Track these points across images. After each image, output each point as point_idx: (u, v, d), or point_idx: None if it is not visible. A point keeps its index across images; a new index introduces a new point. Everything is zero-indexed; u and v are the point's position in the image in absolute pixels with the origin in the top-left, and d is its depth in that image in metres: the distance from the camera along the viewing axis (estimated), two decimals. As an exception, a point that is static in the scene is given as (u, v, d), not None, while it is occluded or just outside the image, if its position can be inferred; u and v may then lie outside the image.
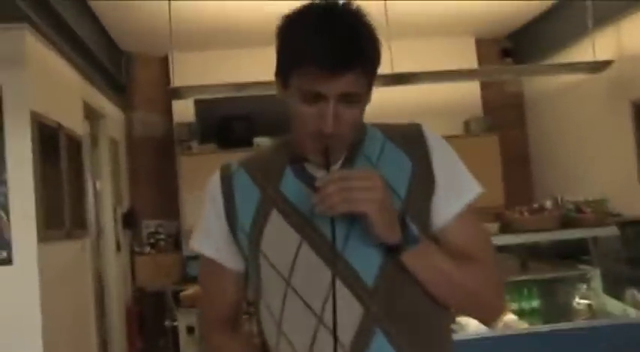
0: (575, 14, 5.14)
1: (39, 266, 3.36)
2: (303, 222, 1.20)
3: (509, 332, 3.26)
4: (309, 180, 1.21)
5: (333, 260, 1.13)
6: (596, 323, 3.37)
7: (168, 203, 5.86)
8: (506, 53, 6.40)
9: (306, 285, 1.18)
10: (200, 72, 5.59)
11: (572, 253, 3.98)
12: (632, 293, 3.83)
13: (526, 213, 3.77)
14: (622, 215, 4.52)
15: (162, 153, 6.13)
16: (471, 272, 1.19)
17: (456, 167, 1.26)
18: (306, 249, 1.18)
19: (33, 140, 3.40)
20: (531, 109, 6.46)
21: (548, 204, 4.09)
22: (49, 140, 3.71)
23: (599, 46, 4.79)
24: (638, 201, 4.61)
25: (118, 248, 5.47)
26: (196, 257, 1.39)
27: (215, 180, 1.31)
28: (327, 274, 1.14)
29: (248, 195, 1.26)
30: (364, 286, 1.16)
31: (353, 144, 1.23)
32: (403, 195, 1.20)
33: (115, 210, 5.47)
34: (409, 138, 1.26)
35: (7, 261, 3.33)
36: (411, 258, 1.15)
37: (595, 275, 3.71)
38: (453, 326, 3.01)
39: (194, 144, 5.88)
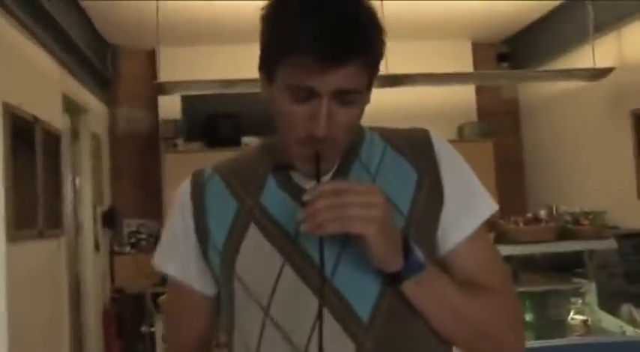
0: (575, 20, 5.04)
1: (7, 268, 3.18)
2: (286, 241, 1.02)
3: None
4: (295, 192, 1.03)
5: (321, 288, 0.94)
6: (591, 340, 3.26)
7: (151, 202, 5.69)
8: (502, 58, 6.32)
9: (287, 316, 1.00)
10: (188, 67, 5.48)
11: (566, 265, 3.90)
12: (628, 308, 3.73)
13: (521, 224, 3.68)
14: (619, 227, 4.44)
15: (147, 150, 5.96)
16: (483, 306, 1.02)
17: (468, 180, 1.09)
18: (289, 272, 1.00)
19: (4, 133, 3.21)
20: (527, 116, 6.37)
21: (543, 213, 4.01)
22: (23, 134, 3.52)
23: (599, 52, 4.69)
24: (636, 214, 4.49)
25: (97, 247, 5.29)
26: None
27: (185, 187, 1.12)
28: (313, 304, 0.95)
29: (223, 207, 1.07)
30: (357, 320, 0.98)
31: (348, 151, 1.05)
32: (406, 211, 1.03)
33: (94, 208, 5.30)
34: (414, 146, 1.08)
35: (-27, 262, 3.15)
36: (413, 288, 0.97)
37: (590, 289, 3.63)
38: None
39: (180, 142, 5.74)
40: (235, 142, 5.51)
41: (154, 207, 5.64)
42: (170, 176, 5.44)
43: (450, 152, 1.09)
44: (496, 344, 1.04)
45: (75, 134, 5.09)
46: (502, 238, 3.59)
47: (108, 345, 5.35)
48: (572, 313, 3.50)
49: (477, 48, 6.26)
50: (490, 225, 3.75)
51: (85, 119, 5.18)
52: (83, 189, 5.13)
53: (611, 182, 4.84)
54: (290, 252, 1.01)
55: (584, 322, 3.44)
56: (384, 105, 5.68)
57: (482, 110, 6.27)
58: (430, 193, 1.04)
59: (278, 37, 0.95)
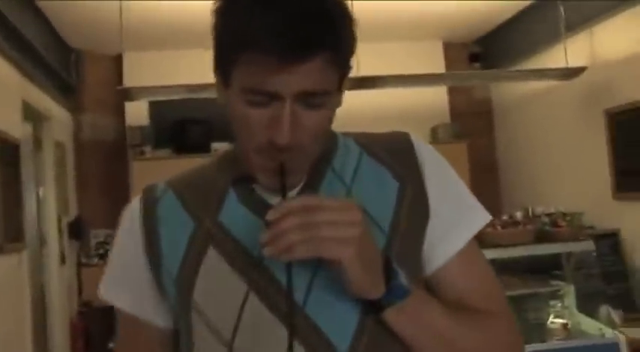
0: (546, 19, 5.02)
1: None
2: (250, 265, 0.89)
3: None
4: (258, 207, 0.90)
5: (290, 319, 0.81)
6: (572, 344, 3.18)
7: (119, 211, 5.38)
8: (474, 58, 6.28)
9: (254, 351, 0.87)
10: (155, 72, 5.33)
11: (543, 267, 3.85)
12: (606, 310, 3.72)
13: (499, 227, 3.61)
14: (595, 227, 4.41)
15: (113, 158, 5.80)
16: (476, 330, 0.90)
17: (455, 188, 0.97)
18: (254, 301, 0.88)
19: (-45, 144, 3.05)
20: (500, 116, 6.33)
21: (519, 215, 3.99)
22: (-23, 144, 3.35)
23: (572, 52, 4.66)
24: (611, 214, 4.47)
25: (63, 260, 5.11)
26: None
27: (134, 206, 0.99)
28: (283, 336, 0.83)
29: (177, 228, 0.94)
30: None
31: (319, 160, 0.92)
32: (387, 226, 0.90)
33: (59, 219, 5.12)
34: (394, 151, 0.96)
35: None
36: (397, 316, 0.85)
37: (569, 291, 3.59)
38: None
39: (147, 149, 5.59)
40: (205, 148, 5.38)
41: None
42: (138, 184, 5.29)
43: (434, 157, 0.97)
44: None
45: (37, 142, 4.92)
46: (479, 242, 3.51)
47: (76, 360, 5.19)
48: (551, 316, 3.44)
49: (449, 48, 6.21)
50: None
51: (47, 127, 5.01)
52: (47, 200, 4.95)
53: (586, 182, 4.81)
54: (255, 278, 0.88)
55: (564, 325, 3.39)
56: (354, 108, 5.59)
57: (455, 111, 6.22)
58: (413, 204, 0.92)
59: (231, 32, 0.83)
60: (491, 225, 3.60)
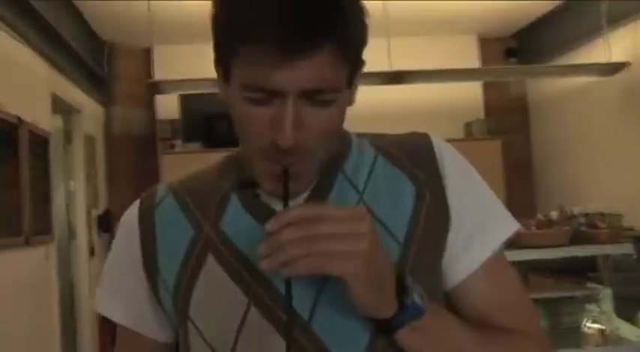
0: (587, 13, 4.88)
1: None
2: (252, 277, 0.81)
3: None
4: (262, 214, 0.82)
5: (287, 341, 0.72)
6: (609, 350, 3.10)
7: None
8: (510, 53, 6.15)
9: None
10: (185, 66, 5.29)
11: (579, 268, 3.76)
12: (646, 315, 3.57)
13: (533, 228, 3.52)
14: (634, 230, 4.27)
15: (143, 152, 5.79)
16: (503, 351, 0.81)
17: (480, 193, 0.88)
18: (255, 316, 0.80)
19: (-17, 136, 3.04)
20: (536, 113, 6.19)
21: (554, 214, 3.85)
22: (5, 136, 3.34)
23: (614, 47, 4.53)
24: (653, 215, 4.32)
25: (92, 253, 5.12)
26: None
27: (132, 212, 0.92)
28: None
29: (175, 235, 0.87)
30: None
31: (329, 164, 0.84)
32: (402, 237, 0.82)
33: (89, 212, 5.12)
34: (412, 154, 0.87)
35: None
36: (411, 336, 0.76)
37: (606, 295, 3.45)
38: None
39: (177, 143, 5.57)
40: (235, 143, 5.14)
41: (151, 210, 5.49)
42: (168, 178, 5.23)
43: (456, 159, 0.88)
44: None
45: (68, 135, 4.94)
46: (512, 242, 3.43)
47: (104, 353, 5.21)
48: (587, 321, 3.32)
49: (484, 43, 6.11)
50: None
51: (78, 120, 5.01)
52: (77, 193, 4.96)
53: (626, 182, 4.68)
54: (256, 291, 0.81)
55: (601, 331, 3.27)
56: (387, 103, 5.60)
57: (489, 107, 6.12)
58: (432, 212, 0.84)
59: (228, 23, 0.75)
60: (524, 225, 3.52)
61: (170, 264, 0.86)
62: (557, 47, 5.47)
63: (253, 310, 0.80)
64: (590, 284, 3.52)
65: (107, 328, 5.23)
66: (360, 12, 0.76)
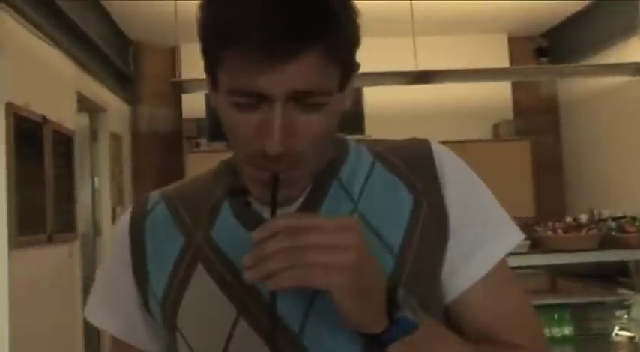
0: (620, 11, 4.80)
1: (10, 274, 3.03)
2: (242, 288, 0.78)
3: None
4: (253, 223, 0.79)
5: (272, 350, 0.71)
6: (639, 360, 3.01)
7: None
8: (541, 52, 6.06)
9: None
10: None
11: (609, 273, 3.67)
12: (677, 324, 3.47)
13: (560, 231, 3.44)
14: (666, 234, 4.16)
15: (169, 150, 5.83)
16: None
17: (481, 202, 0.84)
18: (243, 329, 0.77)
19: (7, 135, 3.06)
20: (566, 113, 6.09)
21: (584, 218, 3.80)
22: (30, 135, 3.37)
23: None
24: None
25: (117, 251, 5.15)
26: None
27: (124, 221, 0.90)
28: None
29: (165, 244, 0.85)
30: None
31: (324, 171, 0.82)
32: (397, 248, 0.78)
33: (114, 210, 5.16)
34: (411, 161, 0.83)
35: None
36: (402, 351, 0.72)
37: (637, 301, 3.36)
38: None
39: (203, 141, 5.60)
40: None
41: (176, 209, 5.52)
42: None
43: (457, 168, 0.84)
44: None
45: (94, 133, 4.98)
46: (539, 246, 3.39)
47: None
48: (616, 328, 3.24)
49: (514, 42, 6.03)
50: (525, 230, 3.52)
51: (104, 118, 5.06)
52: (102, 191, 5.00)
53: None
54: (246, 301, 0.78)
55: (631, 339, 3.19)
56: (414, 102, 5.55)
57: (518, 107, 6.05)
58: (430, 222, 0.80)
59: (212, 26, 0.73)
60: (551, 228, 3.46)
61: (159, 275, 0.84)
62: (589, 46, 5.37)
63: (242, 322, 0.78)
64: (620, 290, 3.46)
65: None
66: (351, 12, 0.73)
